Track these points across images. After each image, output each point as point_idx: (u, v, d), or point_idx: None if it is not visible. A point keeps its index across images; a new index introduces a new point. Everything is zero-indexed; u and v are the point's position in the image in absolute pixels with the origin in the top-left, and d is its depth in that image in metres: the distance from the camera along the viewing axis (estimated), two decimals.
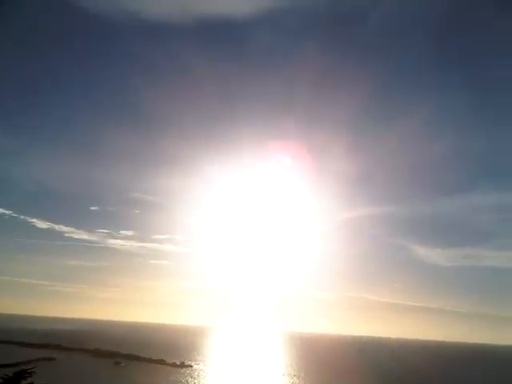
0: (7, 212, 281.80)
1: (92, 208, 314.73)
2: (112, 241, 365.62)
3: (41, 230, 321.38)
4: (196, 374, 76.95)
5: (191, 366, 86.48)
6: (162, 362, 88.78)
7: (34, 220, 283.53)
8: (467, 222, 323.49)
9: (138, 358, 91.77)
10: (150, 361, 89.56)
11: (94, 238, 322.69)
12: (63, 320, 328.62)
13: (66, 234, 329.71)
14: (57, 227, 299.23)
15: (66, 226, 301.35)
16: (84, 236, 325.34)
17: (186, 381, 67.09)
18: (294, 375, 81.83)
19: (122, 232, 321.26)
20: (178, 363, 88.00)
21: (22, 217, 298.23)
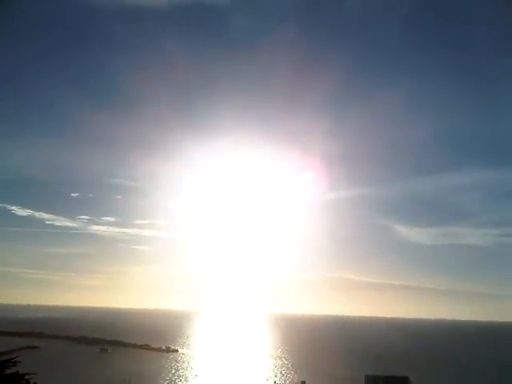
0: None
1: (73, 195, 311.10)
2: (94, 227, 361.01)
3: (21, 217, 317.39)
4: (182, 358, 77.46)
5: (177, 351, 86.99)
6: (147, 347, 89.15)
7: (14, 208, 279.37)
8: (447, 201, 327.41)
9: (123, 344, 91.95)
10: (136, 346, 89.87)
11: (76, 225, 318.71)
12: (47, 308, 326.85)
13: (47, 222, 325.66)
14: (37, 214, 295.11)
15: (47, 213, 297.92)
16: (65, 223, 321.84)
17: (172, 366, 67.54)
18: (279, 356, 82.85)
19: (103, 218, 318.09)
20: (164, 348, 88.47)
21: (1, 204, 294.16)
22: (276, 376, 62.63)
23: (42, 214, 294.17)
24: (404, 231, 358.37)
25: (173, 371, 63.17)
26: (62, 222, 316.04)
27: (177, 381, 55.84)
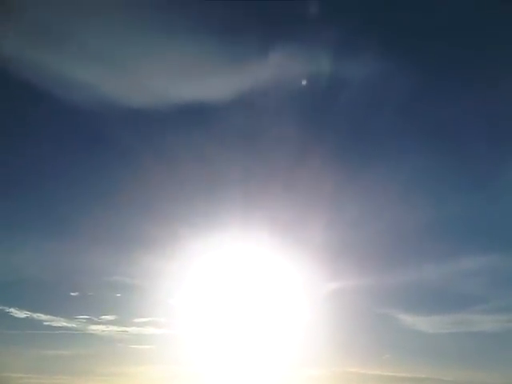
0: None
1: (72, 294, 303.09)
2: (93, 327, 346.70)
3: (19, 319, 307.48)
4: None
5: None
6: None
7: (12, 310, 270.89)
8: (451, 288, 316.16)
9: None
10: None
11: (74, 325, 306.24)
12: None
13: (45, 323, 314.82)
14: (35, 316, 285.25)
15: (45, 314, 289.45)
16: (64, 323, 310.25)
17: None
18: None
19: (102, 317, 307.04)
20: None
21: None
22: None
23: (40, 315, 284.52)
24: (409, 320, 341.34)
25: None
26: (60, 322, 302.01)
27: None
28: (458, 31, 21.03)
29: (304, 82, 21.23)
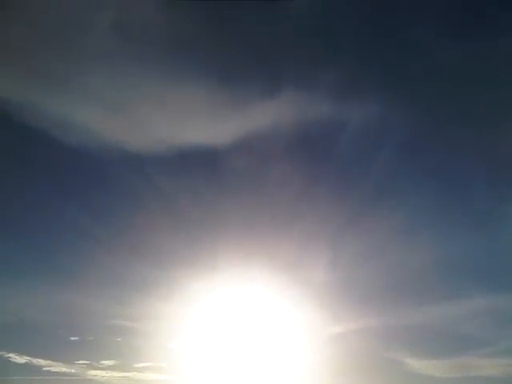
0: None
1: (72, 338, 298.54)
2: (92, 372, 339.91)
3: (18, 365, 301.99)
4: None
5: None
6: None
7: (11, 355, 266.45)
8: (456, 331, 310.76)
9: None
10: None
11: (73, 371, 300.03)
12: None
13: (45, 368, 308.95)
14: (35, 361, 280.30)
15: (45, 359, 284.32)
16: (63, 369, 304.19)
17: None
18: None
19: (102, 362, 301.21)
20: None
21: None
22: None
23: (39, 360, 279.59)
24: (415, 364, 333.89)
25: None
26: (59, 367, 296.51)
27: None
28: (459, 74, 21.38)
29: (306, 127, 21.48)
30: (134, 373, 25.12)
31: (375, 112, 22.29)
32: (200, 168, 22.43)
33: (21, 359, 24.11)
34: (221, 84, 19.81)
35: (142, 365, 24.01)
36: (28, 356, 23.58)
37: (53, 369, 23.97)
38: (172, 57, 19.22)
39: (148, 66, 19.18)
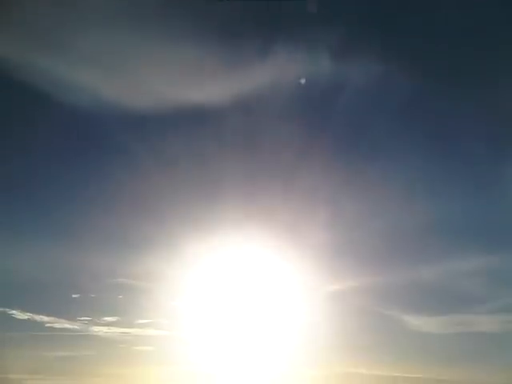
0: None
1: (74, 296, 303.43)
2: (94, 328, 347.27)
3: (21, 321, 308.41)
4: None
5: None
6: None
7: (14, 311, 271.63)
8: (453, 288, 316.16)
9: None
10: None
11: (76, 327, 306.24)
12: None
13: (47, 324, 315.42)
14: (37, 318, 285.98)
15: (47, 315, 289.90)
16: (66, 325, 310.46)
17: None
18: None
19: (104, 319, 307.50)
20: None
21: (1, 309, 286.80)
22: None
23: (42, 316, 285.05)
24: (412, 321, 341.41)
25: None
26: (62, 324, 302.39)
27: None
28: (460, 33, 21.10)
29: (303, 82, 21.33)
30: (136, 329, 25.67)
31: (376, 72, 22.09)
32: (199, 127, 22.37)
33: (23, 316, 24.60)
34: (220, 43, 19.59)
35: (143, 321, 24.55)
36: (30, 313, 24.00)
37: (55, 325, 24.43)
38: (171, 16, 18.96)
39: (147, 25, 18.94)
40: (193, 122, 23.64)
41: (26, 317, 24.93)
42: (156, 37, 19.44)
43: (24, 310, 24.93)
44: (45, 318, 25.72)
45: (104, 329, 26.20)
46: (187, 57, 19.99)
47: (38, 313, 25.42)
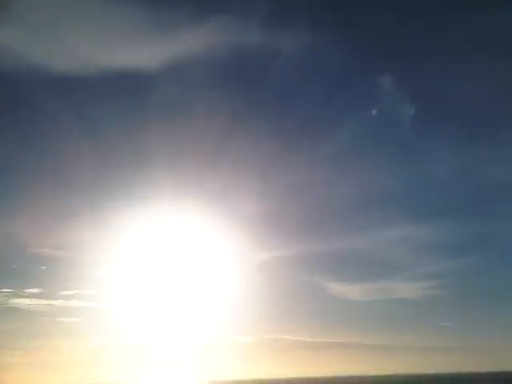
0: None
1: None
2: (16, 300, 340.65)
3: None
4: None
5: None
6: None
7: None
8: (379, 257, 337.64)
9: None
10: None
11: None
12: None
13: None
14: None
15: None
16: None
17: None
18: None
19: (26, 290, 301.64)
20: None
21: None
22: None
23: None
24: (337, 288, 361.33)
25: None
26: None
27: None
28: (387, 6, 21.69)
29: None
30: (60, 300, 25.06)
31: (305, 42, 22.27)
32: (126, 92, 21.72)
33: None
34: (153, 8, 18.96)
35: (68, 292, 23.97)
36: None
37: None
38: None
39: None
40: (120, 87, 22.90)
41: None
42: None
43: None
44: None
45: (26, 301, 25.49)
46: (115, 20, 19.20)
47: None
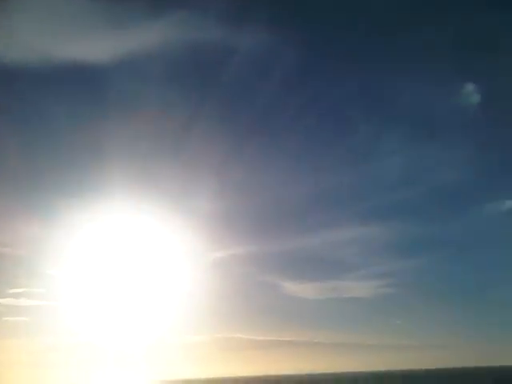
0: None
1: None
2: None
3: None
4: None
5: None
6: None
7: None
8: (332, 256, 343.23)
9: None
10: None
11: None
12: None
13: None
14: None
15: None
16: None
17: None
18: None
19: None
20: None
21: None
22: None
23: None
24: (291, 287, 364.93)
25: None
26: None
27: None
28: (345, 5, 22.20)
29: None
30: (8, 299, 24.44)
31: (265, 40, 22.57)
32: (79, 86, 21.48)
33: None
34: (107, 2, 18.85)
35: (16, 290, 23.34)
36: None
37: None
38: None
39: None
40: (72, 80, 22.60)
41: None
42: None
43: None
44: None
45: None
46: (71, 13, 18.97)
47: None
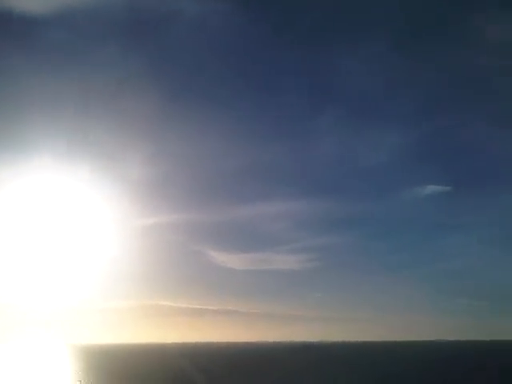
0: None
1: None
2: None
3: None
4: None
5: None
6: None
7: None
8: (262, 229, 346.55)
9: None
10: None
11: None
12: None
13: None
14: None
15: None
16: None
17: None
18: None
19: None
20: None
21: None
22: None
23: None
24: (219, 257, 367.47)
25: None
26: None
27: None
28: None
29: None
30: None
31: (212, 7, 20.46)
32: (12, 36, 18.51)
33: None
34: None
35: None
36: None
37: None
38: None
39: None
40: (6, 30, 19.71)
41: None
42: None
43: None
44: None
45: None
46: None
47: None
